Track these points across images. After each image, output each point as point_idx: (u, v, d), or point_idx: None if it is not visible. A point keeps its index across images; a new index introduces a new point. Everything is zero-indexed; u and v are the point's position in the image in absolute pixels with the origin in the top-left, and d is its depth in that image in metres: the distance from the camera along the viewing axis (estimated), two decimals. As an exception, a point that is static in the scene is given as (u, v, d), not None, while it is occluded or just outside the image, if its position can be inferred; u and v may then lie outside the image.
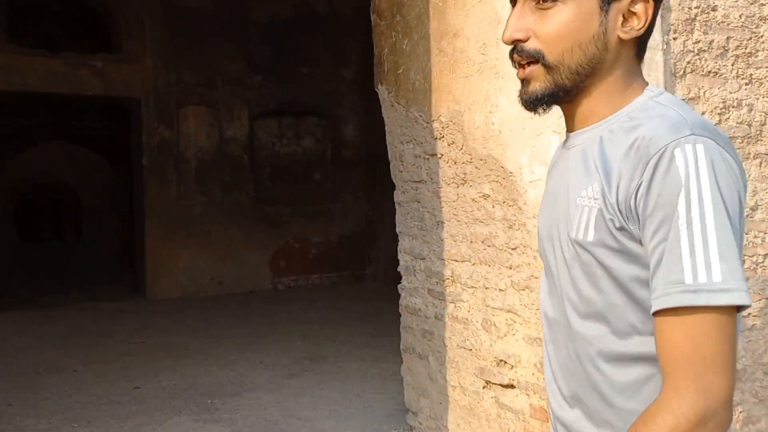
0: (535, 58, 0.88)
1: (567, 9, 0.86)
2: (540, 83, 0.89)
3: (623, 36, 0.87)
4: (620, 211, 0.81)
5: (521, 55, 0.89)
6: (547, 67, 0.88)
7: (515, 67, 0.92)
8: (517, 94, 0.92)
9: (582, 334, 0.89)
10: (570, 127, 0.95)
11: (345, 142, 8.06)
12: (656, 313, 0.78)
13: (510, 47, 0.90)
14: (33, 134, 9.33)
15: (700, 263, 0.75)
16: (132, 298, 7.14)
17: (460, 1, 2.36)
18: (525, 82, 0.90)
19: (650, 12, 0.87)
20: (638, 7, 0.87)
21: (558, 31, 0.87)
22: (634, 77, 0.91)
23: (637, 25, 0.87)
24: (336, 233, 7.97)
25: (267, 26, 7.57)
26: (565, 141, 0.97)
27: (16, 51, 6.47)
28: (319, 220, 7.89)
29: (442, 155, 2.59)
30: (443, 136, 2.57)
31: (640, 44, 0.91)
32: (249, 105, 7.50)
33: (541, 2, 0.86)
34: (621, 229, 0.82)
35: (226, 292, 7.29)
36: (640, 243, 0.81)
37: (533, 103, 0.90)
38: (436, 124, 2.60)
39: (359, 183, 8.08)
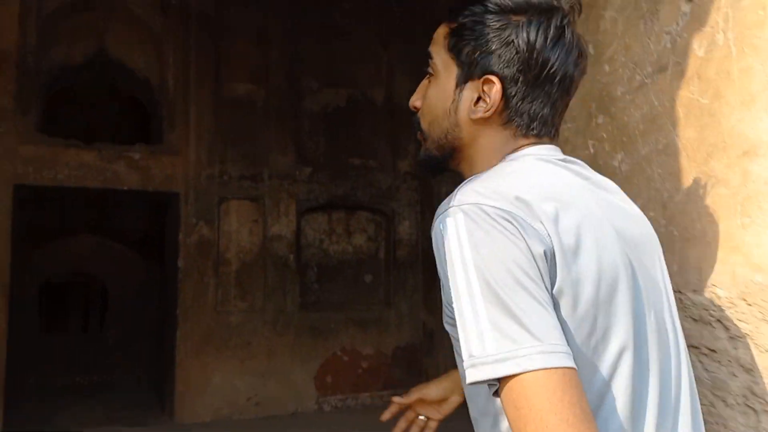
0: (419, 127, 0.99)
1: (435, 84, 0.96)
2: (421, 150, 0.99)
3: (472, 116, 0.92)
4: None
5: (417, 124, 0.99)
6: (423, 137, 0.98)
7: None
8: None
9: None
10: None
11: (400, 241, 7.25)
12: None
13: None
14: (64, 227, 8.75)
15: (472, 335, 0.74)
16: (158, 420, 6.22)
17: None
18: (419, 148, 1.01)
19: (497, 96, 0.90)
20: (490, 90, 0.90)
21: (427, 104, 0.97)
22: (506, 150, 0.93)
23: (484, 107, 0.91)
24: (390, 344, 7.03)
25: (320, 116, 6.97)
26: None
27: (47, 142, 5.90)
28: (371, 329, 6.98)
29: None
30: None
31: (510, 118, 0.92)
32: (297, 199, 6.79)
33: (428, 78, 0.98)
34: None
35: (266, 415, 6.34)
36: None
37: (420, 167, 1.01)
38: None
39: (416, 286, 7.20)
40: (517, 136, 0.92)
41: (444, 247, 0.79)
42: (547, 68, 0.90)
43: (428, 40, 1.00)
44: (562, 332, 0.75)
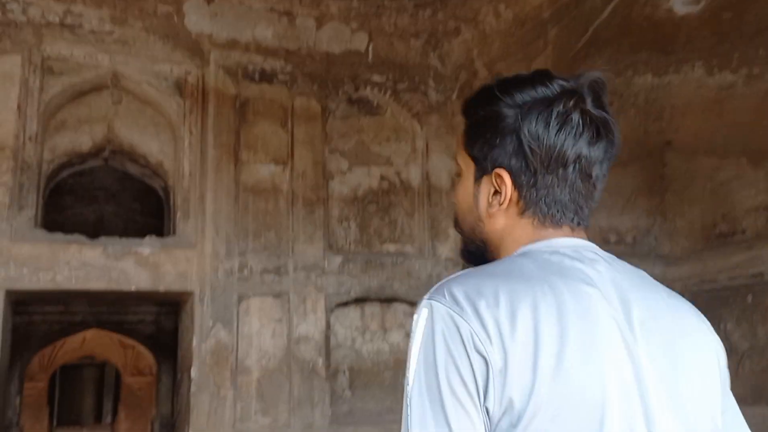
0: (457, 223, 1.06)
1: (461, 181, 1.03)
2: (461, 242, 1.05)
3: (489, 210, 0.98)
4: None
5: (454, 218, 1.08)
6: (459, 231, 1.05)
7: None
8: None
9: None
10: None
11: (442, 336, 6.38)
12: None
13: None
14: (70, 325, 8.02)
15: None
16: None
17: None
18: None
19: (509, 188, 0.95)
20: (498, 182, 0.96)
21: (456, 201, 1.05)
22: (526, 241, 0.95)
23: (498, 200, 0.97)
24: (436, 460, 6.05)
25: (350, 199, 6.26)
26: None
27: (45, 240, 5.23)
28: (414, 442, 6.02)
29: None
30: None
31: (527, 207, 0.95)
32: (326, 293, 6.00)
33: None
34: None
35: None
36: None
37: (463, 259, 1.06)
38: None
39: (462, 390, 6.27)
40: (536, 225, 0.95)
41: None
42: (554, 153, 0.92)
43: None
44: None
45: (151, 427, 14.63)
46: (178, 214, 5.71)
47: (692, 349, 0.89)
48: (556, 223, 0.95)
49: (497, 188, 0.96)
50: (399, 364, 6.25)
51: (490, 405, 0.77)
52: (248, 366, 5.62)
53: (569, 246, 0.93)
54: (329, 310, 6.04)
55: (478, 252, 1.01)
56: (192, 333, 5.53)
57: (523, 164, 0.94)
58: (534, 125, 0.93)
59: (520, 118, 0.93)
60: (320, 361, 5.87)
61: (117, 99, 5.81)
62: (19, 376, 7.74)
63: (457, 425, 0.76)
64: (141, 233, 5.85)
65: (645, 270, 0.99)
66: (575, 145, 0.92)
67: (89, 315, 8.01)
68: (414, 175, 6.52)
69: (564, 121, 0.92)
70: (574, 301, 0.84)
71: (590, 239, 0.98)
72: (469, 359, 0.78)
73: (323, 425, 5.73)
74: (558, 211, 0.94)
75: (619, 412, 0.79)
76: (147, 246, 5.51)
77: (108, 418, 17.48)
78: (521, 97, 0.94)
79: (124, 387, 14.18)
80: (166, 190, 6.17)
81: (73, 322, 8.01)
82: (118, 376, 15.48)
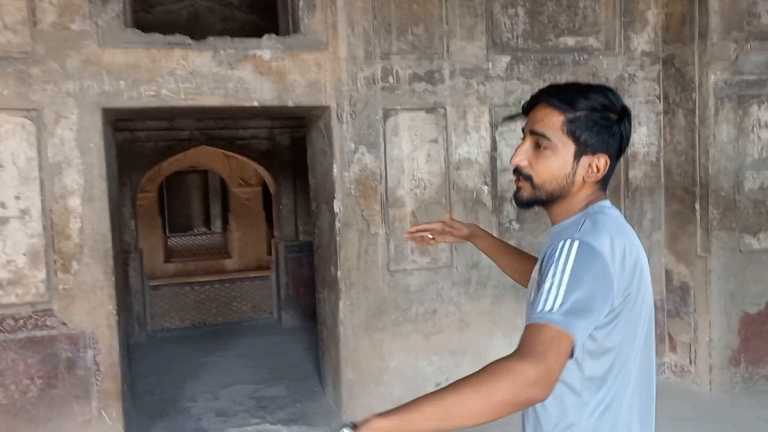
0: (527, 179, 1.41)
1: (553, 155, 1.37)
2: (526, 193, 1.42)
3: (587, 179, 1.39)
4: None
5: (520, 174, 1.42)
6: (533, 186, 1.40)
7: (516, 179, 1.44)
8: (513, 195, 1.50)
9: None
10: (551, 220, 1.47)
11: (634, 156, 5.05)
12: None
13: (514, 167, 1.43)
14: (177, 142, 7.16)
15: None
16: (324, 416, 4.69)
17: None
18: (518, 189, 1.44)
19: (606, 167, 1.39)
20: (600, 163, 1.37)
21: (544, 168, 1.38)
22: (594, 198, 1.41)
23: (597, 174, 1.39)
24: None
25: (525, -25, 4.66)
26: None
27: (142, 43, 4.05)
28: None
29: None
30: None
31: (603, 180, 1.42)
32: (490, 104, 4.69)
33: (539, 148, 1.38)
34: None
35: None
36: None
37: (521, 203, 1.45)
38: None
39: (655, 222, 5.06)
40: (598, 191, 1.42)
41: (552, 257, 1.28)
42: (626, 148, 1.45)
43: None
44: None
45: (269, 247, 14.58)
46: (300, 4, 4.34)
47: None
48: (605, 191, 1.44)
49: (597, 167, 1.38)
50: (576, 190, 5.04)
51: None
52: (400, 197, 4.56)
53: (612, 205, 1.43)
54: (494, 126, 4.76)
55: (542, 202, 1.42)
56: (331, 158, 4.44)
57: (615, 153, 1.40)
58: (627, 129, 1.41)
59: (619, 123, 1.38)
60: (485, 190, 4.73)
61: None
62: (131, 198, 7.10)
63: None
64: (245, 33, 4.58)
65: None
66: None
67: (197, 131, 7.10)
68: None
69: (630, 127, 1.43)
70: (637, 240, 1.40)
71: None
72: (594, 273, 1.26)
73: (490, 264, 4.73)
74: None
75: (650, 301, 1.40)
76: (267, 48, 4.25)
77: (217, 225, 17.68)
78: (618, 104, 1.39)
79: (232, 196, 13.88)
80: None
81: (180, 138, 7.14)
82: (223, 186, 15.24)
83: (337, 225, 4.45)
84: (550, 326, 1.16)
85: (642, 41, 4.97)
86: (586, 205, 1.39)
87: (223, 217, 16.41)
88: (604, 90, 1.39)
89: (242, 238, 13.61)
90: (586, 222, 1.33)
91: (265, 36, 4.28)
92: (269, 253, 14.81)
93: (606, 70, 4.89)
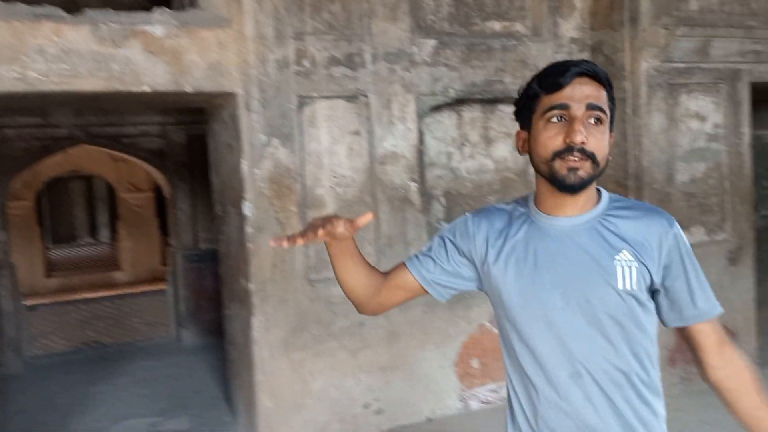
0: (589, 157, 1.31)
1: (606, 130, 1.35)
2: (586, 173, 1.32)
3: (609, 157, 1.38)
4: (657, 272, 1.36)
5: (583, 153, 1.30)
6: (594, 164, 1.32)
7: (574, 159, 1.31)
8: (562, 177, 1.32)
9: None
10: (560, 212, 1.40)
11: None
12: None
13: (566, 146, 1.31)
14: (53, 140, 6.26)
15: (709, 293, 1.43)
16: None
17: None
18: (573, 170, 1.31)
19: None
20: (611, 140, 1.38)
21: (602, 144, 1.33)
22: None
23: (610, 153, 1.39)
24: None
25: (452, -50, 4.26)
26: (541, 221, 1.42)
27: (11, 16, 3.30)
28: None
29: None
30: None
31: None
32: (417, 93, 4.26)
33: (595, 123, 1.32)
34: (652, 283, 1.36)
35: (393, 426, 4.21)
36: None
37: (581, 184, 1.33)
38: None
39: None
40: None
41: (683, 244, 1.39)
42: None
43: None
44: None
45: (164, 257, 13.49)
46: (198, -25, 3.73)
47: None
48: None
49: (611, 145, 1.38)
50: (506, 186, 4.71)
51: None
52: (320, 196, 4.03)
53: None
54: (421, 117, 4.33)
55: (592, 182, 1.36)
56: (239, 153, 3.84)
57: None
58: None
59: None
60: (413, 187, 4.29)
61: None
62: (0, 206, 6.13)
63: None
64: (132, 6, 3.90)
65: None
66: None
67: (77, 128, 6.22)
68: None
69: None
70: None
71: None
72: None
73: (420, 269, 4.30)
74: None
75: None
76: (158, 24, 3.60)
77: (105, 235, 16.34)
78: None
79: (121, 203, 12.77)
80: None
81: (57, 136, 6.23)
82: (111, 192, 14.06)
83: (248, 230, 3.85)
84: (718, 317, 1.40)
85: (570, 27, 4.71)
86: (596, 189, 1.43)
87: (111, 226, 15.18)
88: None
89: (134, 249, 12.53)
90: (640, 202, 1.45)
91: (157, 10, 3.62)
92: (164, 263, 13.79)
93: (535, 57, 4.58)
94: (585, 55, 4.74)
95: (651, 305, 1.37)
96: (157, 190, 13.20)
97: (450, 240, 1.53)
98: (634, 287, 1.31)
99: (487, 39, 4.46)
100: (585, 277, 1.33)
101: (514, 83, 4.48)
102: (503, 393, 4.58)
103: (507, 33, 4.55)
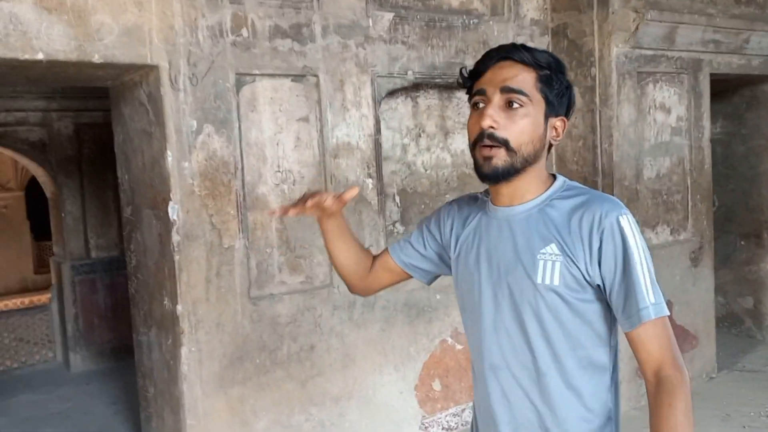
0: (502, 143, 1.26)
1: (528, 115, 1.27)
2: (501, 161, 1.26)
3: (552, 142, 1.34)
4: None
5: (492, 138, 1.26)
6: (509, 151, 1.26)
7: (485, 146, 1.27)
8: (479, 167, 1.29)
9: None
10: (500, 202, 1.36)
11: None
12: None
13: (479, 132, 1.27)
14: None
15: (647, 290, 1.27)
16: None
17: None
18: (487, 159, 1.27)
19: (564, 130, 1.34)
20: (559, 125, 1.33)
21: (520, 129, 1.27)
22: (547, 169, 1.36)
23: (557, 136, 1.34)
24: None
25: None
26: (490, 211, 1.39)
27: None
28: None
29: None
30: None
31: (550, 147, 1.35)
32: (372, 73, 3.64)
33: (509, 106, 1.27)
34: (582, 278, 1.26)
35: (352, 470, 3.57)
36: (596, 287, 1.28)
37: (497, 175, 1.28)
38: None
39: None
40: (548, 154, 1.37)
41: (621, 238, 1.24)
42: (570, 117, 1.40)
43: None
44: None
45: (37, 266, 11.93)
46: None
47: None
48: None
49: (560, 130, 1.33)
50: (464, 183, 4.21)
51: None
52: (262, 195, 3.32)
53: None
54: (378, 102, 3.72)
55: (517, 170, 1.29)
56: (162, 142, 3.05)
57: (567, 117, 1.36)
58: (574, 96, 1.37)
59: (568, 86, 1.34)
60: (370, 184, 3.68)
61: None
62: None
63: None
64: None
65: None
66: None
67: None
68: None
69: None
70: None
71: None
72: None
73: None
74: None
75: None
76: (54, -27, 2.75)
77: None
78: (567, 69, 1.36)
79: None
80: None
81: None
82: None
83: (175, 238, 3.07)
84: (663, 318, 1.24)
85: (531, 7, 4.28)
86: (550, 176, 1.38)
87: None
88: (552, 54, 1.36)
89: (4, 255, 10.97)
90: (594, 192, 1.35)
91: (51, -46, 2.77)
92: (37, 272, 12.23)
93: (497, 38, 4.10)
94: (545, 40, 4.33)
95: (585, 298, 1.28)
96: (28, 190, 11.68)
97: (427, 227, 1.57)
98: (555, 282, 1.26)
99: (447, 16, 3.93)
100: (511, 269, 1.31)
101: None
102: (466, 416, 4.07)
103: (465, 10, 4.03)
